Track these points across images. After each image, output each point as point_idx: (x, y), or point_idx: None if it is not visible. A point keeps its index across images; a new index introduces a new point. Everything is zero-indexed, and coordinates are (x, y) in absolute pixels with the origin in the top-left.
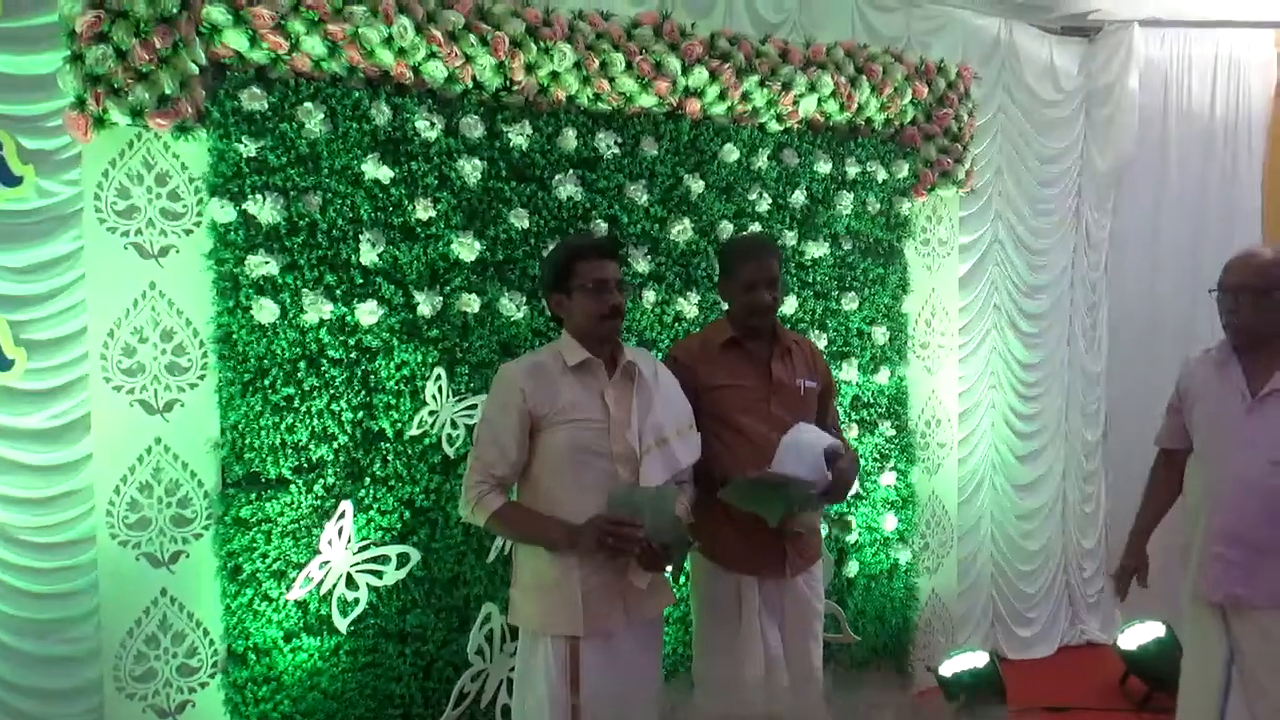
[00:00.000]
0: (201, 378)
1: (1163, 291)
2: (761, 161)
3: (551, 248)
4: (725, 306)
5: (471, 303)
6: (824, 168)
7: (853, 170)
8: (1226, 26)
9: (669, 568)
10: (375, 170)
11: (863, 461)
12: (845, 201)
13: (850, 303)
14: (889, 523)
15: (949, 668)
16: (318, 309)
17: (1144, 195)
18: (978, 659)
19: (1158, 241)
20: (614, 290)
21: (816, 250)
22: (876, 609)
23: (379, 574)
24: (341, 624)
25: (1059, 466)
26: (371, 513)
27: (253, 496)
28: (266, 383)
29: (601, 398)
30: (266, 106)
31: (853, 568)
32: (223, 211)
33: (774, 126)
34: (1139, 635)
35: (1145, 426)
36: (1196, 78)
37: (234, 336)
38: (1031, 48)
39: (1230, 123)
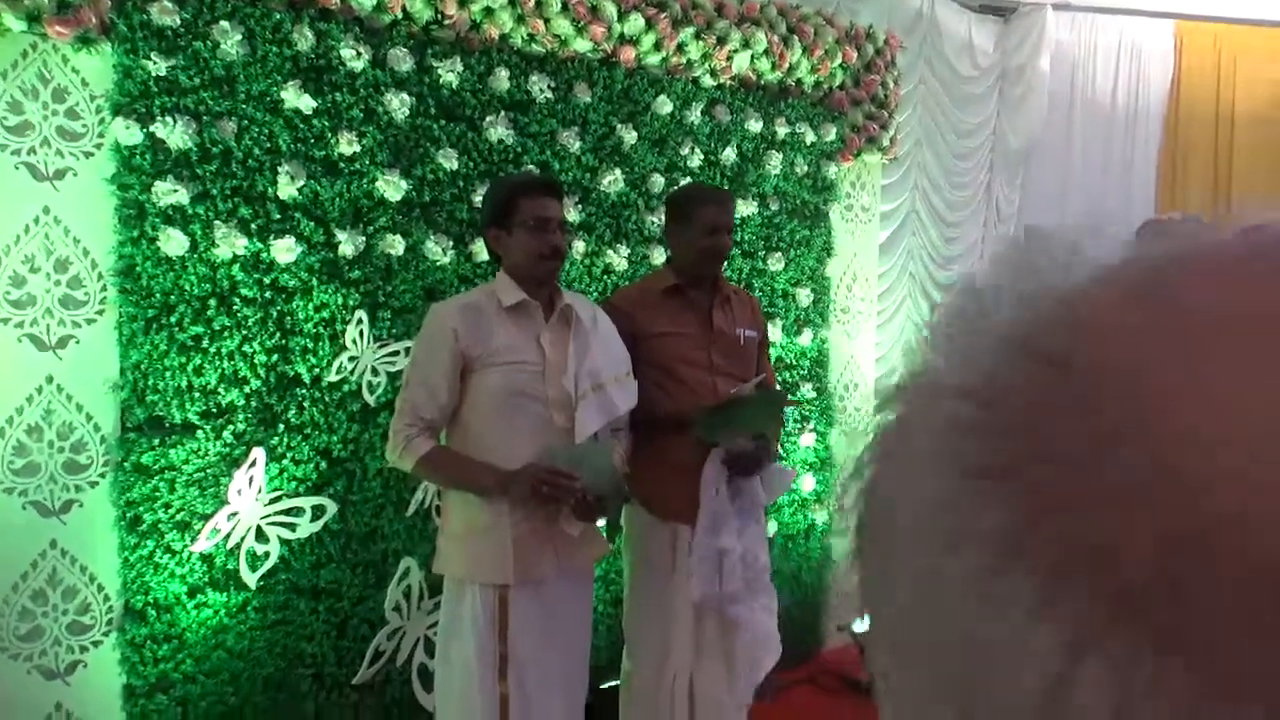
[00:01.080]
0: (100, 313)
1: None
2: (694, 116)
3: (493, 182)
4: (667, 256)
5: (396, 244)
6: (755, 126)
7: (782, 131)
8: (1131, 14)
9: (602, 520)
10: (296, 99)
11: (785, 424)
12: (774, 162)
13: (776, 263)
14: (807, 483)
15: (862, 624)
16: (230, 243)
17: (1051, 174)
18: None
19: (1062, 219)
20: (556, 230)
21: (745, 209)
22: (793, 569)
23: (292, 527)
24: (250, 579)
25: None
26: (285, 462)
27: (155, 442)
28: (173, 320)
29: (537, 341)
30: (179, 22)
31: (770, 527)
32: (128, 133)
33: (707, 81)
34: None
35: None
36: (1101, 64)
37: (138, 269)
38: (951, 23)
39: (1130, 109)
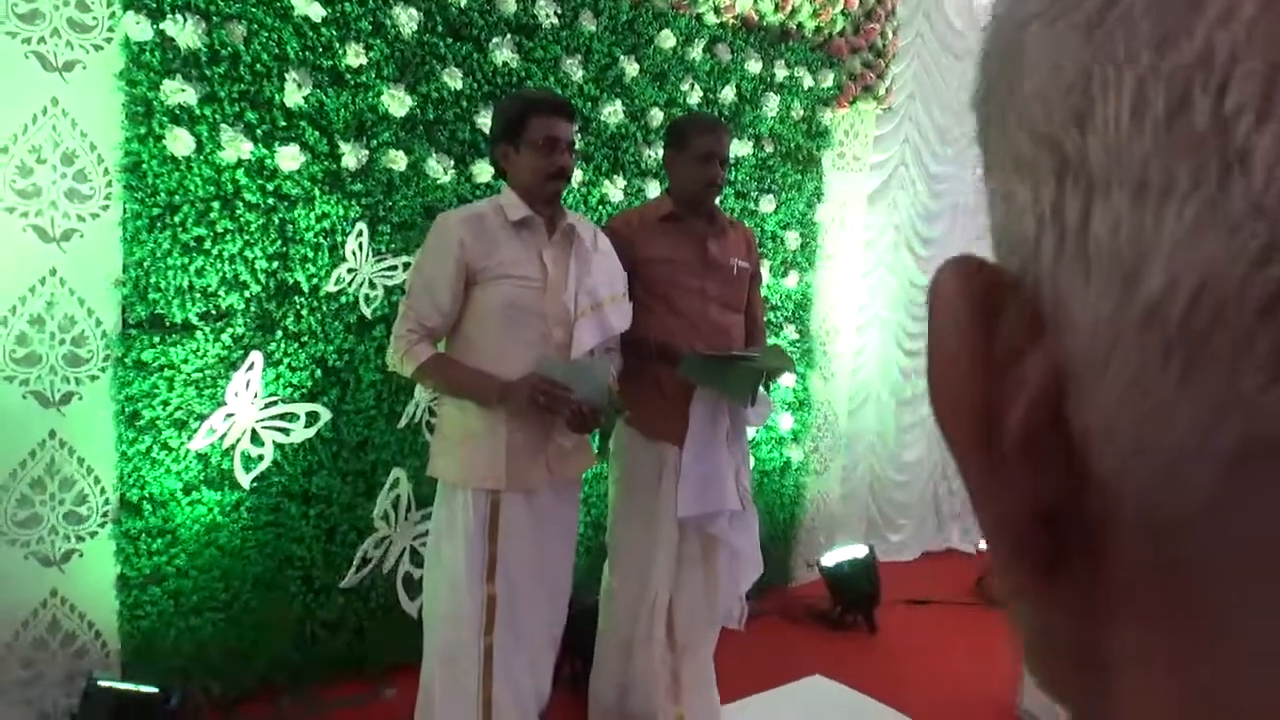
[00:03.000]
0: (105, 208)
1: None
2: (696, 53)
3: (507, 97)
4: (667, 185)
5: (398, 160)
6: (754, 67)
7: (781, 74)
8: None
9: (597, 431)
10: (306, 6)
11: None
12: (771, 104)
13: (768, 204)
14: (785, 422)
15: (831, 558)
16: (236, 147)
17: None
18: (858, 550)
19: None
20: (564, 151)
21: (741, 149)
22: (767, 504)
23: (286, 431)
24: (244, 479)
25: None
26: (281, 368)
27: (156, 340)
28: (176, 220)
29: (540, 257)
30: None
31: (749, 468)
32: (138, 29)
33: (710, 19)
34: None
35: None
36: None
37: (143, 166)
38: None
39: None
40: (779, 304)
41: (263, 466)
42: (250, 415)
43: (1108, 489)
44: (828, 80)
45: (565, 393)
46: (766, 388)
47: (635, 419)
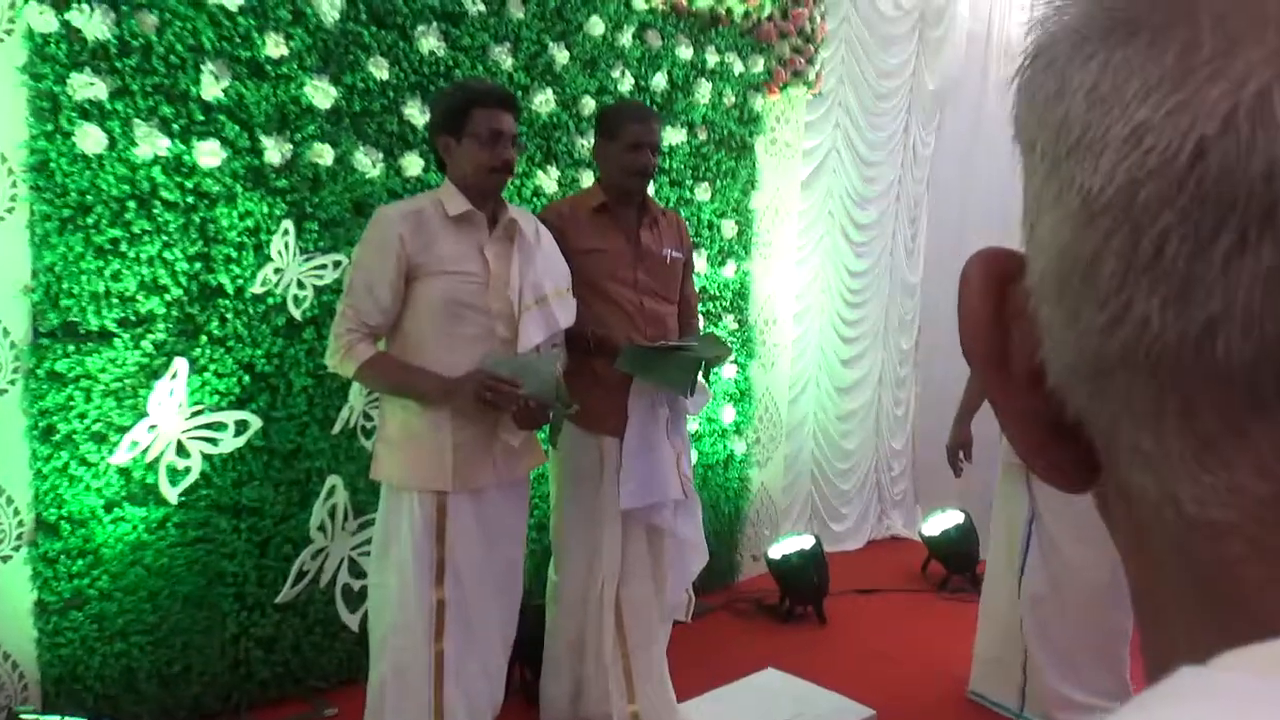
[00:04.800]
0: (10, 210)
1: (974, 210)
2: (626, 39)
3: (449, 88)
4: (595, 176)
5: (324, 154)
6: (685, 53)
7: (712, 60)
8: None
9: (544, 426)
10: None
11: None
12: (703, 91)
13: (703, 193)
14: (727, 414)
15: (777, 550)
16: (151, 143)
17: (964, 118)
18: (804, 541)
19: (972, 163)
20: (508, 145)
21: (674, 137)
22: (711, 498)
23: (214, 442)
24: (171, 494)
25: (876, 372)
26: (207, 375)
27: (70, 349)
28: (89, 221)
29: (481, 252)
30: None
31: (692, 456)
32: (41, 19)
33: (639, 4)
34: (941, 523)
35: (952, 336)
36: (1018, 8)
37: (51, 165)
38: None
39: None
40: (717, 294)
41: (190, 480)
42: (175, 426)
43: (1065, 408)
44: (758, 65)
45: (512, 388)
46: (706, 376)
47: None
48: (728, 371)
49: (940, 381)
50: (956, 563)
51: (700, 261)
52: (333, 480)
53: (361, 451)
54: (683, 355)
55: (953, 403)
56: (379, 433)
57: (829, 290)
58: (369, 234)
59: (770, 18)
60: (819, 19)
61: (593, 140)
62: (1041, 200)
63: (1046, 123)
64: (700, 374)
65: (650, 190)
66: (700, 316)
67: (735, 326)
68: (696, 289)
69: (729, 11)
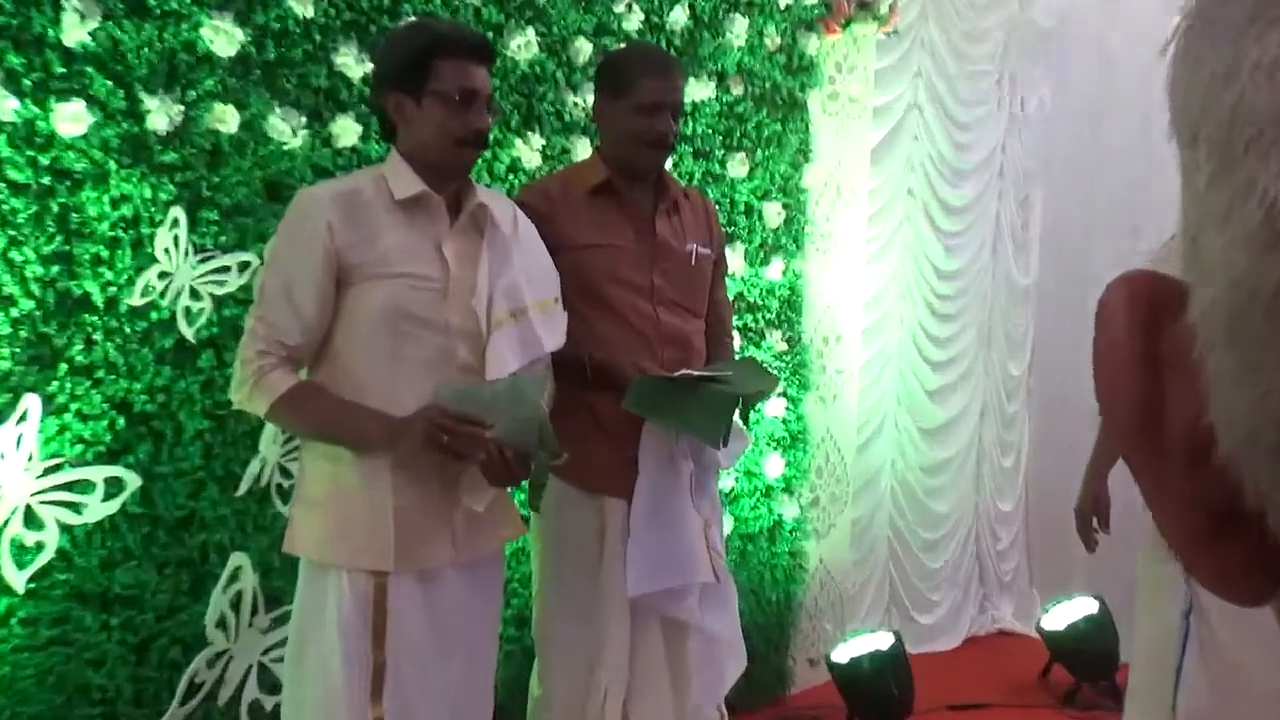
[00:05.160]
0: None
1: (1105, 188)
2: None
3: (403, 29)
4: (595, 145)
5: (226, 117)
6: None
7: None
8: None
9: (523, 483)
10: None
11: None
12: (738, 29)
13: (739, 167)
14: (773, 466)
15: (843, 652)
16: None
17: (1089, 64)
18: (879, 640)
19: (1101, 125)
20: (482, 108)
21: (699, 91)
22: (753, 580)
23: (76, 508)
24: (16, 579)
25: (975, 407)
26: (67, 417)
27: None
28: None
29: (438, 249)
30: None
31: (725, 524)
32: None
33: None
34: (1067, 614)
35: (1079, 359)
36: None
37: None
38: None
39: None
40: (759, 302)
41: (43, 559)
42: (23, 487)
43: (1240, 491)
44: None
45: (478, 429)
46: (745, 417)
47: (566, 466)
48: (773, 407)
49: (1063, 421)
50: (1088, 668)
51: (735, 259)
52: (237, 559)
53: (277, 519)
54: (714, 390)
55: (1081, 451)
56: (297, 491)
57: (910, 297)
58: (286, 224)
59: None
60: None
61: (591, 98)
62: (1207, 209)
63: (1213, 109)
64: (737, 415)
65: (667, 164)
66: (735, 334)
67: (784, 347)
68: (730, 297)
69: None
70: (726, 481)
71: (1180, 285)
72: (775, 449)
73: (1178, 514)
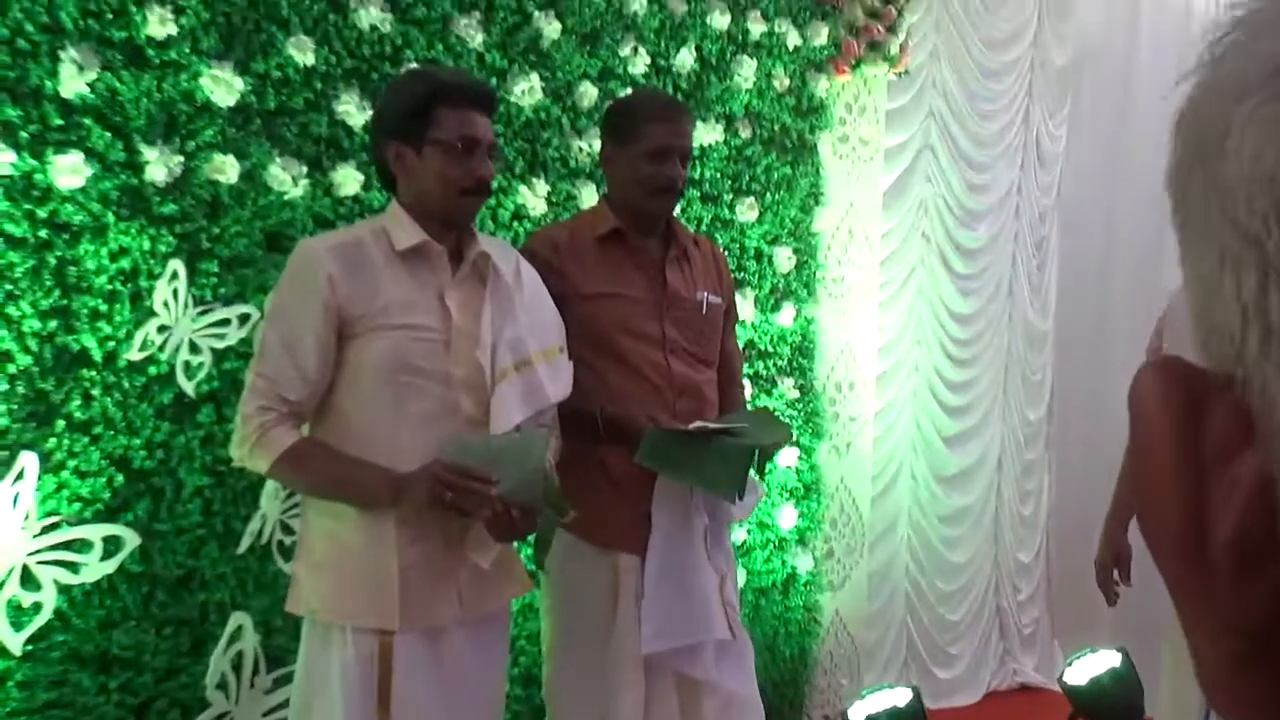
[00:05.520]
0: None
1: (1123, 229)
2: (638, 4)
3: (404, 77)
4: (602, 192)
5: (226, 168)
6: (720, 22)
7: (757, 30)
8: None
9: (529, 538)
10: None
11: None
12: (746, 71)
13: (748, 211)
14: (786, 517)
15: (860, 709)
16: None
17: (1106, 101)
18: (898, 696)
19: (1118, 163)
20: (486, 157)
21: (707, 135)
22: (767, 635)
23: (74, 567)
24: (13, 641)
25: (993, 454)
26: (65, 474)
27: None
28: None
29: (440, 299)
30: None
31: (739, 577)
32: None
33: None
34: (1090, 667)
35: (1099, 404)
36: None
37: None
38: None
39: (1215, 7)
40: (770, 349)
41: (40, 621)
42: (19, 546)
43: None
44: (820, 36)
45: (484, 485)
46: (760, 471)
47: (578, 521)
48: (786, 457)
49: (1083, 467)
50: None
51: (746, 305)
52: (239, 618)
53: (279, 578)
54: (728, 443)
55: (1102, 498)
56: (299, 550)
57: (925, 342)
58: (287, 277)
59: None
60: None
61: (597, 143)
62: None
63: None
64: (752, 468)
65: (676, 210)
66: (746, 382)
67: (796, 395)
68: (740, 344)
69: None
70: (739, 534)
71: (1213, 377)
72: (788, 499)
73: (1216, 635)
